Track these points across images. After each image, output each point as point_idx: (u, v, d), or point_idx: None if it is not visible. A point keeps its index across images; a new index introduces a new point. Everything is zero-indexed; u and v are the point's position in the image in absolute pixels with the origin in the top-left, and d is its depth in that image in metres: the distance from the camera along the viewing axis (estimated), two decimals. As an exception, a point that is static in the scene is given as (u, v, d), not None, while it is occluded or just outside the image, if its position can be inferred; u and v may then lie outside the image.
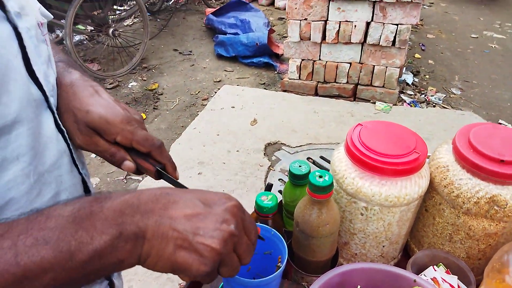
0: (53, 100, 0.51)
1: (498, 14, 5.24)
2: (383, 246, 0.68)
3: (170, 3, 4.92)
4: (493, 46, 4.26)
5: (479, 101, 3.17)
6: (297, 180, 0.69)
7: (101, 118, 0.52)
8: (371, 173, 0.61)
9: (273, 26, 4.41)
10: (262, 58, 3.59)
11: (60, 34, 3.87)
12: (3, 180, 0.43)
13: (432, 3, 5.61)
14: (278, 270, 0.50)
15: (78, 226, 0.36)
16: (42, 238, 0.35)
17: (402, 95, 3.10)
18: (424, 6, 5.43)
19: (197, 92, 3.29)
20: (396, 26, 2.69)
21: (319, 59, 3.03)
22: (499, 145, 0.61)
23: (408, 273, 0.57)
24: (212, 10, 4.45)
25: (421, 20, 4.84)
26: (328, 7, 2.78)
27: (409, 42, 3.32)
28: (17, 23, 0.45)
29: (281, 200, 0.75)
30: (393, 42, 2.76)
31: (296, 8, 2.84)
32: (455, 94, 3.24)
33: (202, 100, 3.17)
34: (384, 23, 2.70)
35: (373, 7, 2.68)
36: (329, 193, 0.56)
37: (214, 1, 5.46)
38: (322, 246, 0.61)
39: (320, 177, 0.56)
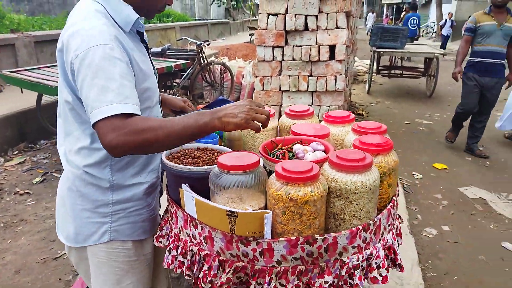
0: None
1: (430, 107, 6.62)
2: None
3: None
4: (421, 128, 5.48)
5: (400, 161, 4.20)
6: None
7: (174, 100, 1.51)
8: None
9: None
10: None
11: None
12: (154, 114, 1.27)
13: (379, 101, 7.03)
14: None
15: (198, 116, 1.09)
16: (185, 118, 1.01)
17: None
18: (372, 104, 6.83)
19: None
20: (328, 107, 3.84)
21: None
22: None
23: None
24: (202, 106, 5.71)
25: (367, 113, 6.15)
26: (282, 96, 3.97)
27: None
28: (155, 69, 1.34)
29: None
30: (329, 118, 3.89)
31: (259, 97, 4.02)
32: (383, 158, 4.29)
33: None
34: (320, 105, 3.86)
35: (312, 95, 3.86)
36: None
37: (203, 101, 6.82)
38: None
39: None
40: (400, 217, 1.41)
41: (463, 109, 4.40)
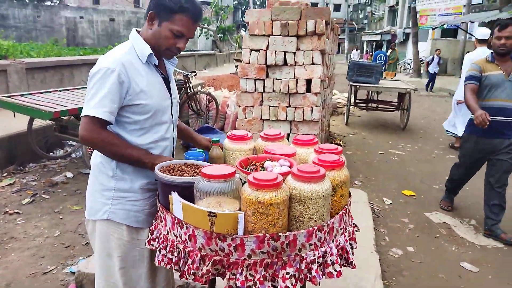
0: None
1: (404, 139, 7.03)
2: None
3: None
4: (394, 158, 5.83)
5: (372, 188, 4.51)
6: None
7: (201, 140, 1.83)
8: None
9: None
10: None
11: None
12: (155, 137, 1.59)
13: (356, 132, 7.42)
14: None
15: (144, 155, 1.50)
16: (132, 151, 1.50)
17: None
18: (349, 134, 7.20)
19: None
20: (305, 136, 4.14)
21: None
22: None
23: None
24: (187, 133, 5.96)
25: (344, 143, 6.50)
26: (263, 124, 4.25)
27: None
28: (172, 96, 1.67)
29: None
30: (306, 146, 4.18)
31: (242, 125, 4.30)
32: (356, 185, 4.58)
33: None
34: (297, 134, 4.15)
35: (291, 124, 4.17)
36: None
37: (190, 130, 7.08)
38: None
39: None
40: (356, 225, 1.66)
41: (458, 177, 3.88)
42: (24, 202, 3.73)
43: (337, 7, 52.74)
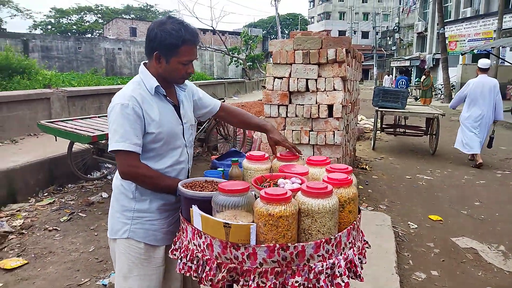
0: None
1: (432, 164, 6.93)
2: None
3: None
4: (421, 183, 5.77)
5: (398, 212, 4.49)
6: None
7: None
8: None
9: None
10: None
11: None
12: (171, 162, 1.74)
13: (383, 157, 7.39)
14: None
15: (173, 182, 1.66)
16: (167, 181, 1.67)
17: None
18: (376, 159, 7.19)
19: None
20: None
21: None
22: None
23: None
24: (215, 156, 6.18)
25: (370, 167, 6.50)
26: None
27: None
28: (183, 121, 1.81)
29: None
30: (329, 170, 4.27)
31: (267, 149, 4.45)
32: (381, 208, 4.57)
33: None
34: (321, 158, 4.25)
35: (313, 148, 4.28)
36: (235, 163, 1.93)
37: (217, 152, 7.30)
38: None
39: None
40: (367, 242, 1.74)
41: None
42: (62, 220, 4.00)
43: (365, 35, 53.07)
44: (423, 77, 15.61)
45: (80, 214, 4.18)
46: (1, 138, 6.02)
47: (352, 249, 1.53)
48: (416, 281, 3.04)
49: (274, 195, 1.35)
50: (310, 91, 4.05)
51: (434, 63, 27.08)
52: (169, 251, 1.67)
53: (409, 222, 4.21)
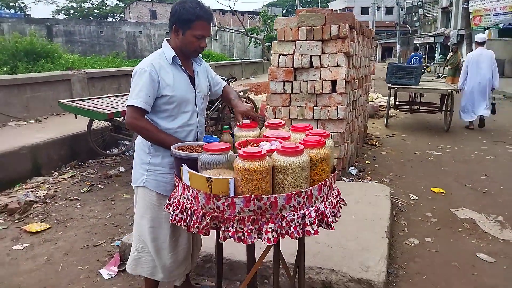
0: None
1: (445, 140, 6.94)
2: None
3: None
4: (430, 158, 5.83)
5: (400, 185, 4.61)
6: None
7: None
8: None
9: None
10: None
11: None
12: (181, 123, 2.01)
13: (395, 134, 7.44)
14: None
15: (173, 140, 1.92)
16: (161, 135, 1.94)
17: (344, 178, 4.59)
18: (388, 136, 7.25)
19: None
20: (331, 134, 4.36)
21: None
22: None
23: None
24: (228, 131, 6.39)
25: (381, 144, 6.58)
26: (291, 123, 4.52)
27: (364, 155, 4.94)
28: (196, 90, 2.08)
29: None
30: (333, 144, 4.41)
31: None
32: (384, 181, 4.70)
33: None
34: (325, 132, 4.39)
35: (317, 123, 4.42)
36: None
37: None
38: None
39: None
40: (343, 199, 1.92)
41: None
42: (83, 191, 4.33)
43: (389, 11, 51.42)
44: (450, 53, 14.65)
45: (99, 185, 4.50)
46: (26, 118, 6.41)
47: (323, 202, 1.71)
48: (409, 246, 3.20)
49: (250, 153, 1.54)
50: (314, 67, 4.17)
51: (458, 39, 26.22)
52: (164, 206, 1.90)
53: (410, 194, 4.33)
